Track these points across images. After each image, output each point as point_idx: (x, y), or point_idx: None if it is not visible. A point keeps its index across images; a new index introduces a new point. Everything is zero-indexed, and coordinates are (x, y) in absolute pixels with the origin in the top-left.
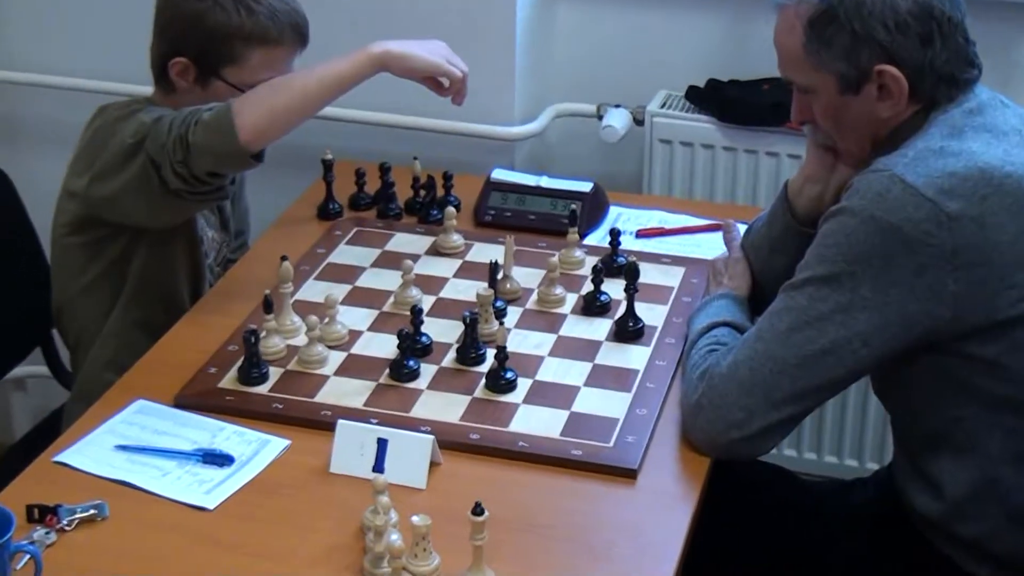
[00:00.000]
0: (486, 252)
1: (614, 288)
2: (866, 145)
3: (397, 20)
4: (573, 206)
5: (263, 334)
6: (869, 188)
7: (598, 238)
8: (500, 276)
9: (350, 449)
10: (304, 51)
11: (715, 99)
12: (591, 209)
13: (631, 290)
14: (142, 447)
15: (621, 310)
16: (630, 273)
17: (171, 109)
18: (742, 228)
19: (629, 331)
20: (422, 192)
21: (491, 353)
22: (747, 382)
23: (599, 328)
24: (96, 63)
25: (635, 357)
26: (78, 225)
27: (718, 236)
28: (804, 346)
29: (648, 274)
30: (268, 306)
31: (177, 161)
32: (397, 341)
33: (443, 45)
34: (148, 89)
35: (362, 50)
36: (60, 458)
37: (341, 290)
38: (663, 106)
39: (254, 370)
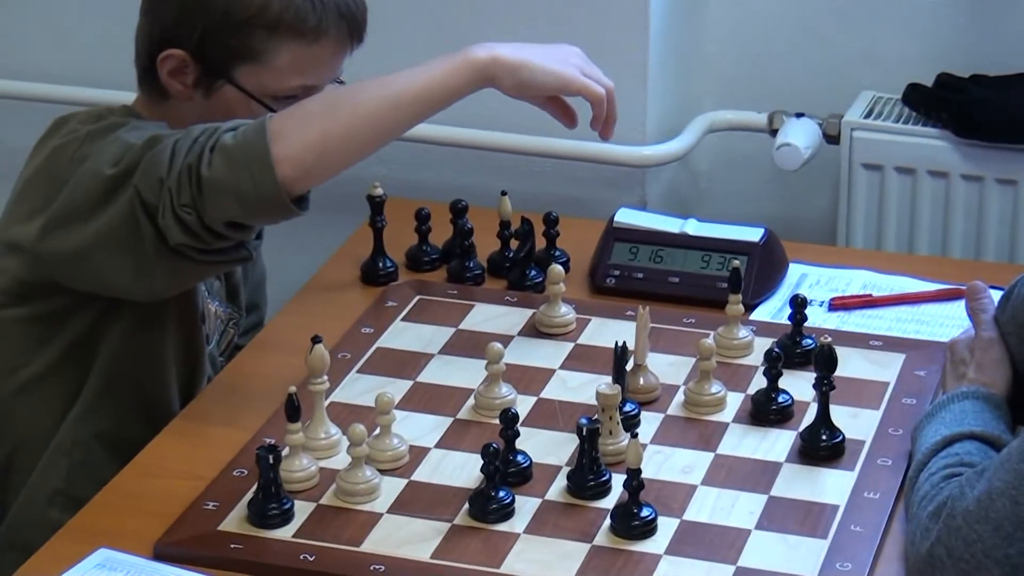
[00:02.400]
0: (608, 331)
1: (798, 384)
2: None
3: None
4: (736, 263)
5: (286, 452)
6: None
7: (772, 311)
8: (630, 367)
9: None
10: (356, 52)
11: (950, 103)
12: (762, 268)
13: (825, 387)
14: None
15: (810, 417)
16: (823, 362)
17: (165, 126)
18: (996, 295)
19: (823, 448)
20: (514, 243)
21: (619, 480)
22: (1008, 522)
23: (777, 443)
24: (47, 60)
25: (832, 487)
26: (21, 293)
27: (959, 307)
28: None
29: (850, 363)
30: (293, 411)
31: (182, 205)
32: (481, 463)
33: (576, 52)
34: (127, 96)
35: (460, 55)
36: None
37: (398, 388)
38: (869, 115)
39: (272, 505)
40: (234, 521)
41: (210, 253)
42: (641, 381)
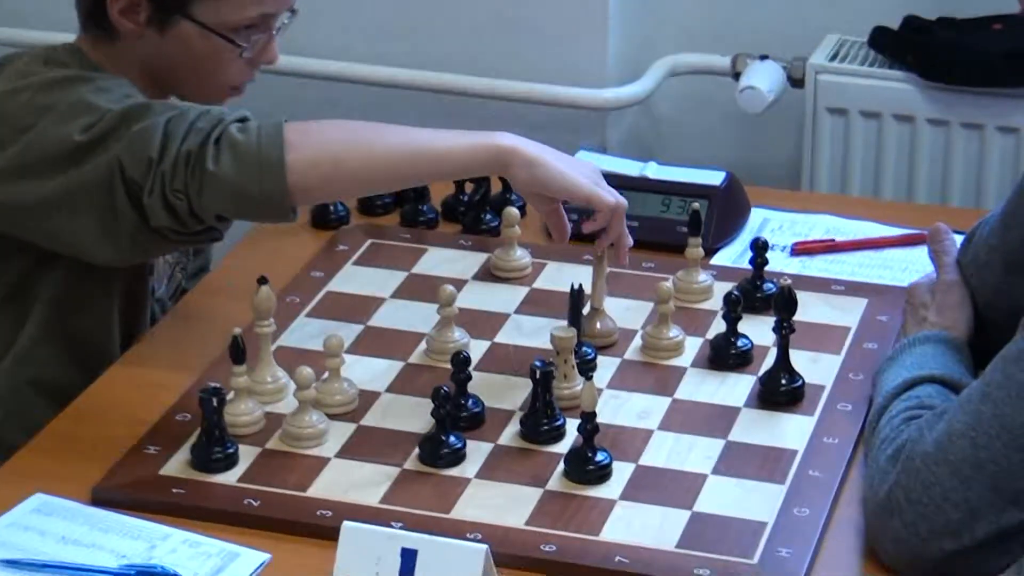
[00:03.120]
0: (565, 275)
1: (758, 329)
2: None
3: None
4: (696, 206)
5: (230, 396)
6: None
7: (734, 255)
8: (587, 311)
9: (360, 566)
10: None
11: (916, 46)
12: (723, 212)
13: (785, 330)
14: (42, 563)
15: (769, 362)
16: (783, 304)
17: (128, 83)
18: (958, 239)
19: (782, 393)
20: (469, 187)
21: (573, 425)
22: (967, 464)
23: (736, 388)
24: None
25: (791, 432)
26: None
27: (923, 252)
28: None
29: (811, 308)
30: (238, 353)
31: (175, 190)
32: (432, 407)
33: (593, 167)
34: (61, 37)
35: (487, 136)
36: None
37: (349, 332)
38: (834, 57)
39: (216, 449)
40: (176, 465)
41: (187, 235)
42: (598, 325)
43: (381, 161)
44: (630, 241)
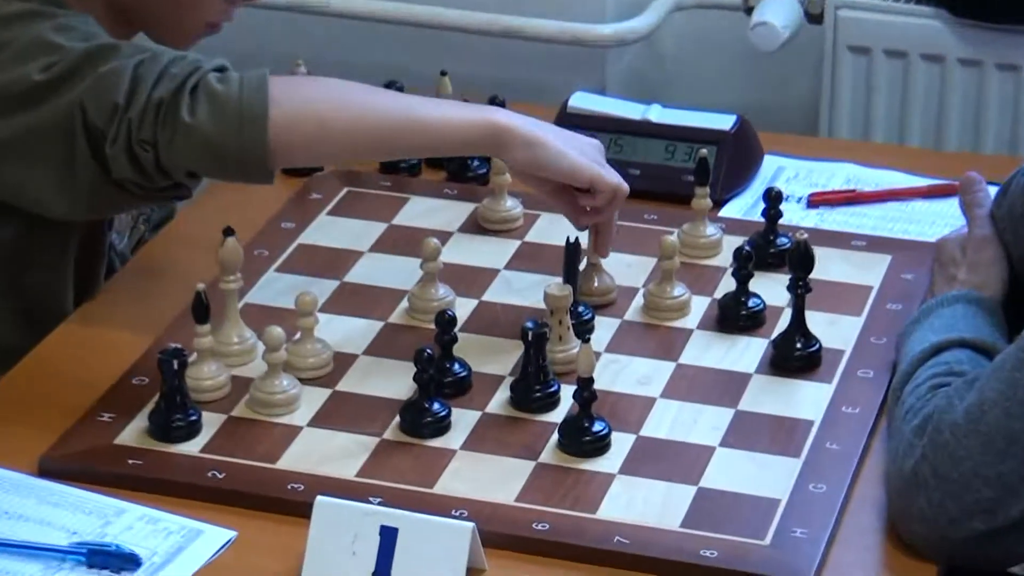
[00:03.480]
0: (560, 229)
1: (771, 288)
2: None
3: None
4: (703, 153)
5: (192, 358)
6: None
7: (745, 207)
8: (583, 266)
9: (335, 545)
10: None
11: None
12: (733, 159)
13: (801, 289)
14: None
15: (783, 324)
16: (799, 261)
17: (93, 20)
18: (992, 190)
19: (797, 358)
20: None
21: (568, 392)
22: (1000, 436)
23: (746, 352)
24: None
25: (807, 401)
26: None
27: (953, 204)
28: None
29: (829, 265)
30: (201, 311)
31: (141, 140)
32: (414, 371)
33: (596, 145)
34: None
35: (483, 111)
36: None
37: (322, 288)
38: None
39: (177, 417)
40: (133, 434)
41: (152, 191)
42: (596, 282)
43: (370, 127)
44: (615, 232)
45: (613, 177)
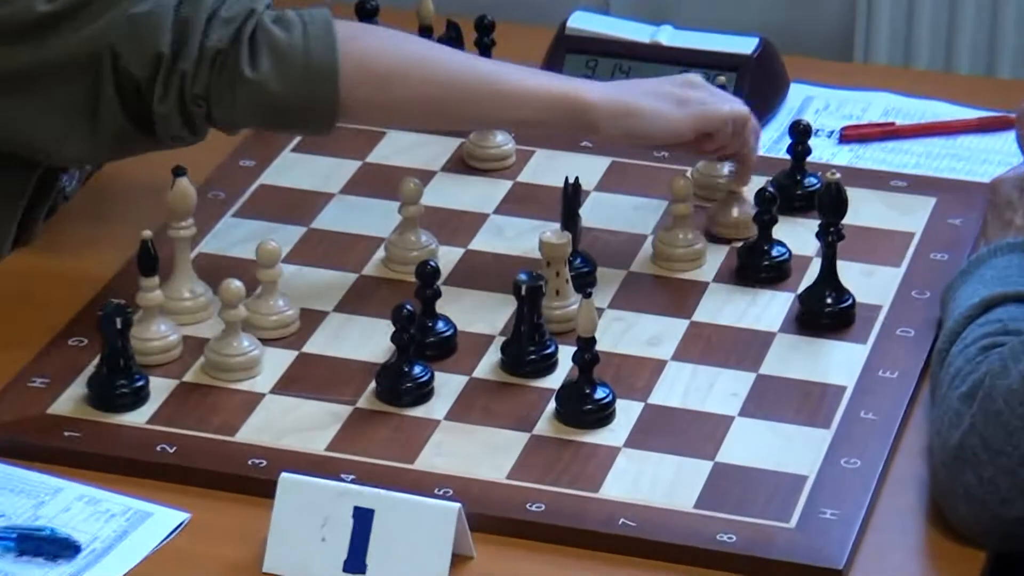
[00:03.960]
0: (557, 166)
1: (798, 235)
2: None
3: None
4: (721, 81)
5: (138, 315)
6: None
7: (768, 142)
8: (719, 196)
9: (302, 529)
10: None
11: None
12: (755, 88)
13: (832, 237)
14: None
15: (812, 276)
16: (830, 204)
17: None
18: None
19: (827, 314)
20: None
21: (567, 354)
22: None
23: (769, 308)
24: None
25: (838, 364)
26: None
27: (1005, 138)
28: None
29: (865, 209)
30: (149, 262)
31: (196, 95)
32: (392, 330)
33: (692, 81)
34: None
35: (565, 83)
36: None
37: (287, 236)
38: None
39: (121, 383)
40: (70, 402)
41: (186, 141)
42: (735, 212)
43: (441, 89)
44: (755, 160)
45: (722, 110)
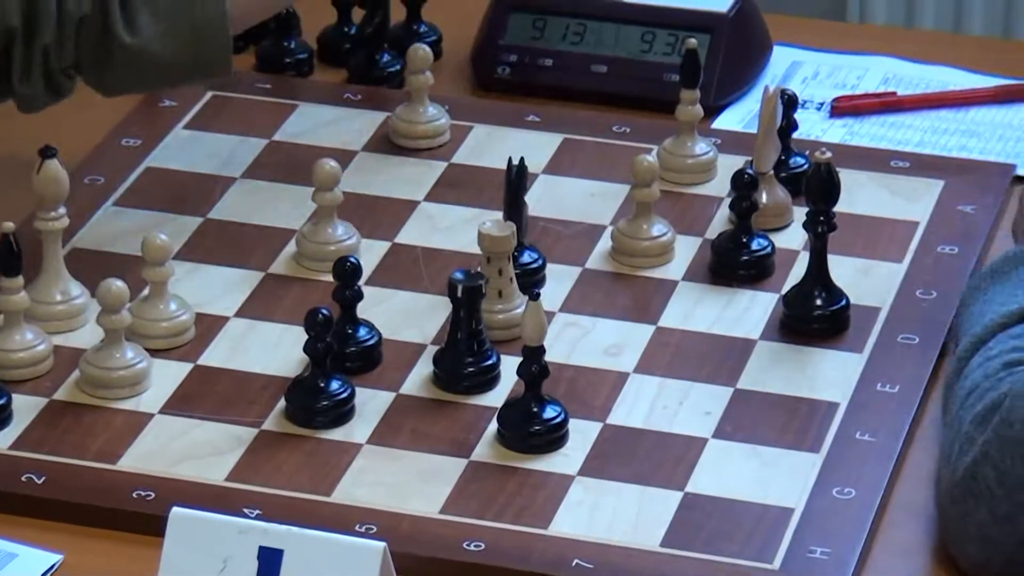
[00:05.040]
0: (498, 145)
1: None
2: None
3: None
4: (692, 43)
5: (0, 321)
6: None
7: (747, 115)
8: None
9: (197, 572)
10: None
11: None
12: (732, 52)
13: (822, 227)
14: None
15: (799, 274)
16: (819, 189)
17: None
18: None
19: (816, 318)
20: (358, 13)
21: (510, 365)
22: None
23: (749, 311)
24: None
25: (830, 376)
26: None
27: None
28: None
29: (861, 194)
30: (11, 260)
31: (65, 68)
32: (305, 339)
33: None
34: None
35: None
36: None
37: (179, 228)
38: None
39: None
40: None
41: (50, 103)
42: (764, 198)
43: None
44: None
45: None
